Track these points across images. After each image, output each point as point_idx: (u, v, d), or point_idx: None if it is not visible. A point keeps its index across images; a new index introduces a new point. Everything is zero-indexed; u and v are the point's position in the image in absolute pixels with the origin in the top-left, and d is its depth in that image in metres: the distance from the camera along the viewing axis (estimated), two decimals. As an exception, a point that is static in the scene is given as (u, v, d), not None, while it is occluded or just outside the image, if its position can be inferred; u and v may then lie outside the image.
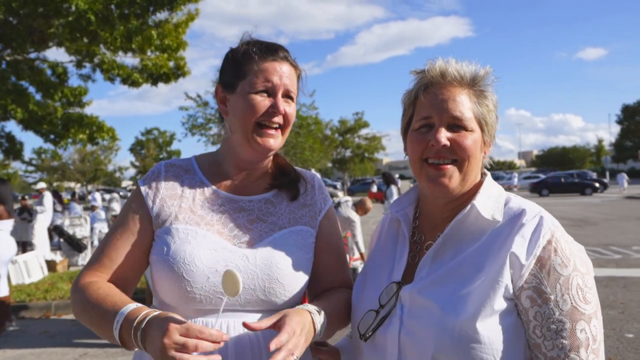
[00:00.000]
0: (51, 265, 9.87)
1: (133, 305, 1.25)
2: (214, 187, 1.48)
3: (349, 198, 9.14)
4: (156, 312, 1.22)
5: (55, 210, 14.39)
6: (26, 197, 17.12)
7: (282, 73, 1.41)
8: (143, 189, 1.45)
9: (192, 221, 1.40)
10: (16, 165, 44.09)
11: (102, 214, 15.65)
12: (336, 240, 1.58)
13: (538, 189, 35.90)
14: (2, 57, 11.26)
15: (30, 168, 53.85)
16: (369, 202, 8.30)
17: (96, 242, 13.69)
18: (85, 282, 1.36)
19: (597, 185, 35.51)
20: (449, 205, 1.33)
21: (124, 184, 66.57)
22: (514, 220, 1.22)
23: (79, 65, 12.56)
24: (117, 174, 65.28)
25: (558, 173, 44.32)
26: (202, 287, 1.32)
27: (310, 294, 1.55)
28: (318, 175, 1.69)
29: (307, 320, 1.28)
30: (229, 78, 1.45)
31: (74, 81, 13.55)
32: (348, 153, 42.52)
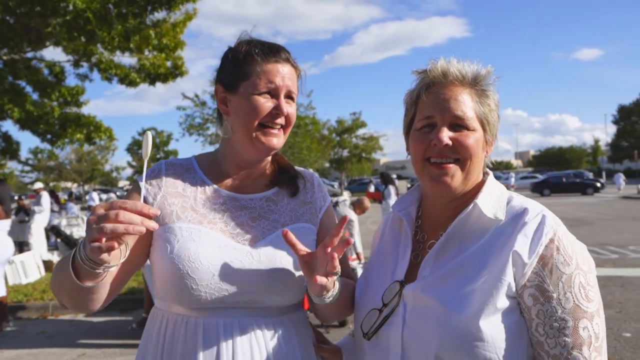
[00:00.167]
0: (48, 265, 9.83)
1: None
2: (215, 185, 1.49)
3: (346, 197, 9.16)
4: None
5: (52, 211, 14.35)
6: (22, 197, 17.06)
7: (284, 75, 1.42)
8: (143, 185, 1.44)
9: (194, 220, 1.40)
10: (12, 165, 44.06)
11: (99, 214, 15.57)
12: None
13: (539, 189, 35.91)
14: (-1, 56, 11.23)
15: (27, 168, 53.63)
16: (366, 202, 8.30)
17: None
18: None
19: (598, 185, 35.64)
20: (451, 204, 1.33)
21: (121, 183, 66.36)
22: (517, 219, 1.23)
23: (76, 64, 12.50)
24: (114, 174, 65.05)
25: (555, 173, 44.45)
26: (208, 284, 1.32)
27: None
28: (316, 174, 1.69)
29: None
30: (230, 78, 1.45)
31: (71, 80, 13.55)
32: (345, 153, 42.50)
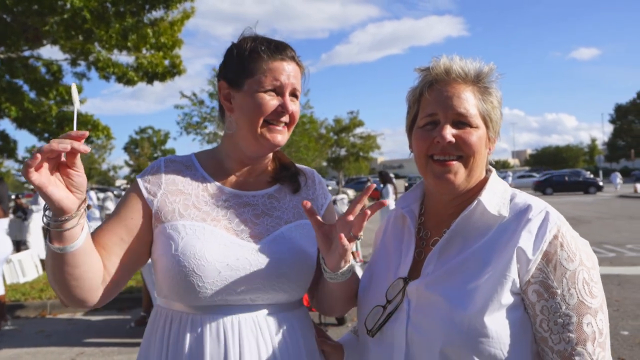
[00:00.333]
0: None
1: None
2: (217, 182, 1.48)
3: (344, 195, 9.15)
4: None
5: (49, 209, 14.29)
6: (20, 195, 17.02)
7: (289, 73, 1.42)
8: (142, 184, 1.43)
9: (198, 217, 1.40)
10: (9, 164, 43.84)
11: (97, 213, 15.56)
12: None
13: (542, 188, 35.92)
14: (-4, 55, 11.19)
15: (23, 167, 53.49)
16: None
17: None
18: None
19: (600, 183, 35.77)
20: (454, 202, 1.34)
21: (118, 182, 66.15)
22: (520, 215, 1.23)
23: (73, 63, 12.48)
24: (111, 173, 64.94)
25: (553, 172, 44.54)
26: (214, 281, 1.32)
27: (315, 285, 1.55)
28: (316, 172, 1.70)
29: None
30: (235, 75, 1.44)
31: (68, 79, 13.43)
32: (343, 152, 42.48)
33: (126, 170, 63.24)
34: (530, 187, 35.92)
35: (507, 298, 1.16)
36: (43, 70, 12.91)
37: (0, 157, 18.21)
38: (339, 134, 41.04)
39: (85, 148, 1.13)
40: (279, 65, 1.41)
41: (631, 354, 4.87)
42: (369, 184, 1.42)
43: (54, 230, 1.19)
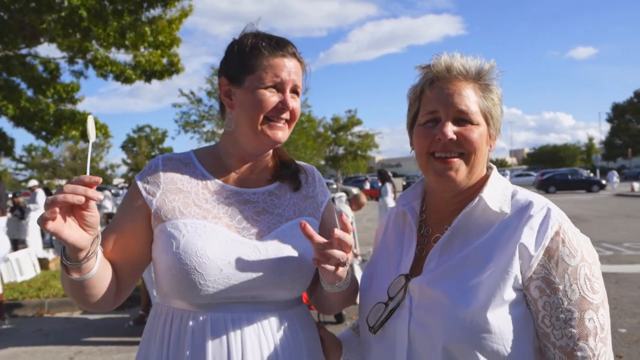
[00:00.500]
0: (43, 263, 9.80)
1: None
2: (216, 180, 1.47)
3: (343, 194, 9.15)
4: None
5: (47, 208, 14.27)
6: (17, 194, 16.98)
7: (290, 69, 1.42)
8: (140, 184, 1.43)
9: (198, 215, 1.39)
10: (6, 163, 43.77)
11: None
12: None
13: (545, 186, 35.91)
14: (-7, 52, 11.16)
15: (21, 165, 53.39)
16: (363, 197, 8.32)
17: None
18: None
19: (603, 182, 35.90)
20: (455, 199, 1.34)
21: (116, 181, 66.03)
22: (522, 212, 1.24)
23: (71, 61, 12.43)
24: (109, 172, 64.76)
25: (550, 170, 44.63)
26: (215, 279, 1.31)
27: (314, 285, 1.55)
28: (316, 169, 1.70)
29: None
30: (236, 71, 1.44)
31: (66, 77, 13.46)
32: (341, 150, 42.48)
33: (124, 169, 63.15)
34: (533, 186, 35.94)
35: (509, 294, 1.17)
36: (40, 68, 12.87)
37: (-3, 155, 18.14)
38: (337, 132, 41.04)
39: (99, 196, 1.13)
40: (280, 61, 1.41)
41: (629, 351, 4.89)
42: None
43: (71, 266, 1.22)
